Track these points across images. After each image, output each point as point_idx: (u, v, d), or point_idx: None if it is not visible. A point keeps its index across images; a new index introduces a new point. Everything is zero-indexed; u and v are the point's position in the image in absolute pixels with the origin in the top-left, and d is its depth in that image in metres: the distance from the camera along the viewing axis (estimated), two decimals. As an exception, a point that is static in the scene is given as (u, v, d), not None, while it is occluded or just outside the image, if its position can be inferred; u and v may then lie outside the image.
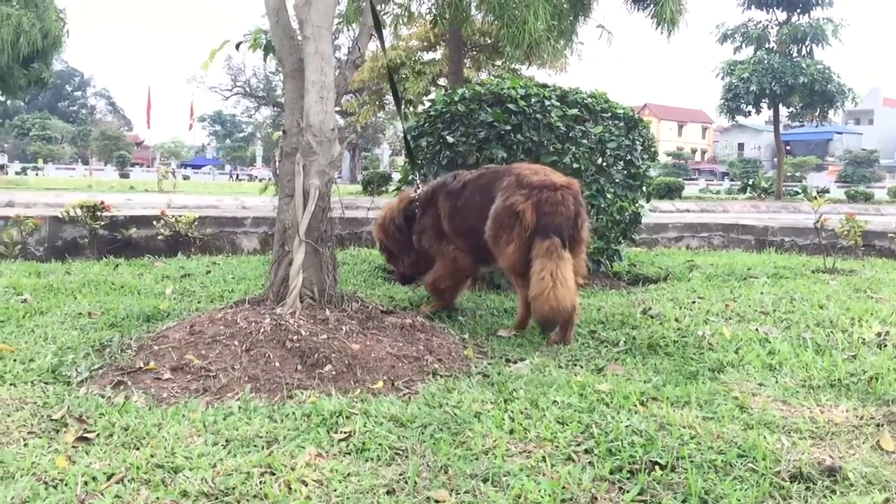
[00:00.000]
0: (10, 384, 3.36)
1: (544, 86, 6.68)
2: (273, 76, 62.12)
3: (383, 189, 26.93)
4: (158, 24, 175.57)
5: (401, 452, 2.75)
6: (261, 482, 2.44)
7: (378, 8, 4.91)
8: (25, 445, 2.68)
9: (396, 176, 38.30)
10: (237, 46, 4.87)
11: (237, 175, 64.90)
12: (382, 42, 4.75)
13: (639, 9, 11.11)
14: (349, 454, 2.72)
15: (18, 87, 23.17)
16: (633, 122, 6.90)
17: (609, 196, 6.59)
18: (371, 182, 27.37)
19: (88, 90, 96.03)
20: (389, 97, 28.48)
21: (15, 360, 3.68)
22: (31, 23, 21.09)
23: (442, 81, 25.58)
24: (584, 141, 6.44)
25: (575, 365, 4.01)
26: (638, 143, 6.86)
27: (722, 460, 2.65)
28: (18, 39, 20.83)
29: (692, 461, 2.64)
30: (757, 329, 4.62)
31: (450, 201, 5.05)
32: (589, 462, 2.68)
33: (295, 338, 3.77)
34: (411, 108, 25.75)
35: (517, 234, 4.51)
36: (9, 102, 28.03)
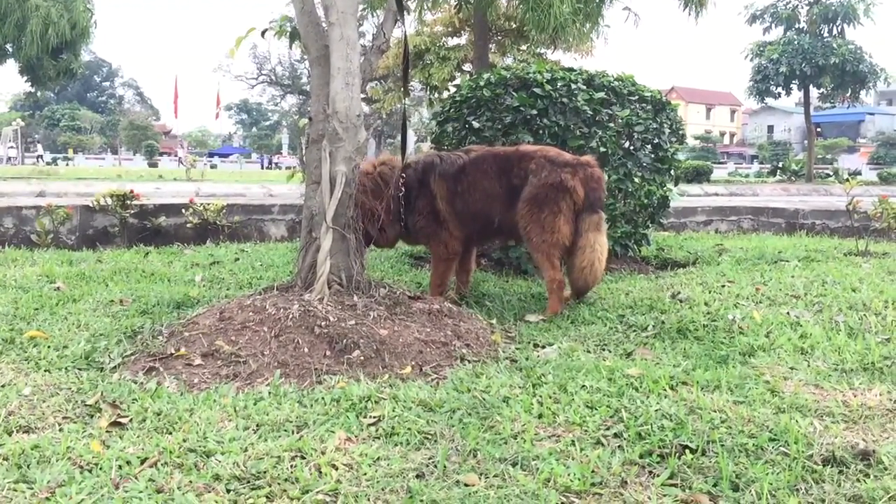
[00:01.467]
0: (45, 370, 3.41)
1: (570, 69, 6.63)
2: (298, 64, 62.23)
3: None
4: (185, 13, 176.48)
5: (430, 437, 2.76)
6: (291, 466, 2.46)
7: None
8: (61, 430, 2.72)
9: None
10: (262, 34, 4.88)
11: (271, 162, 65.09)
12: (403, 20, 4.73)
13: (666, -10, 10.96)
14: (378, 438, 2.74)
15: (48, 78, 23.42)
16: (661, 104, 6.83)
17: (637, 180, 6.53)
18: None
19: (116, 80, 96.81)
20: (414, 83, 28.42)
21: (49, 347, 3.74)
22: (60, 14, 21.29)
23: (467, 67, 25.46)
24: (611, 125, 6.38)
25: (603, 349, 4.00)
26: (666, 126, 6.79)
27: (753, 444, 2.63)
28: (47, 31, 21.04)
29: (723, 445, 2.63)
30: (788, 312, 4.57)
31: (447, 184, 5.04)
32: (618, 446, 2.68)
33: (323, 323, 3.79)
34: (436, 94, 25.69)
35: (567, 209, 4.80)
36: (39, 93, 28.25)
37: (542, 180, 4.84)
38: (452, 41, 25.76)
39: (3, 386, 3.16)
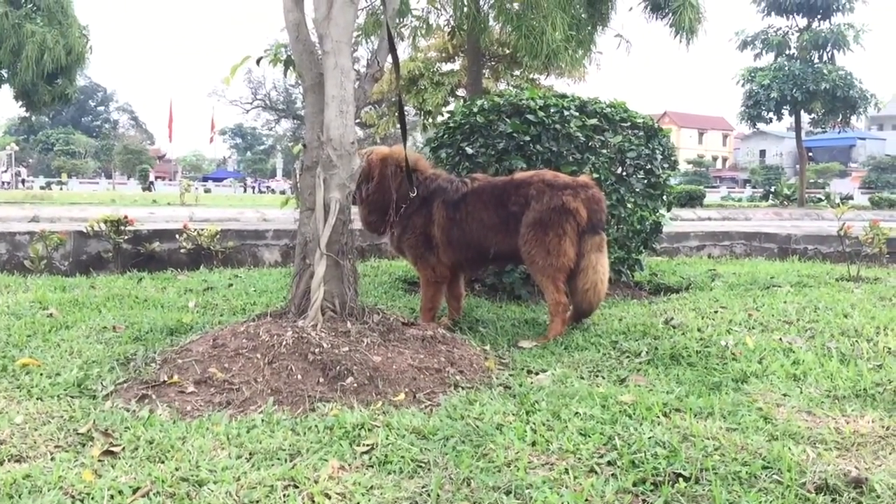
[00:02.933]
0: (37, 398, 3.40)
1: (563, 96, 6.68)
2: (293, 89, 62.60)
3: (403, 200, 26.94)
4: (179, 39, 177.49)
5: (423, 465, 2.75)
6: (284, 495, 2.45)
7: (396, 21, 4.93)
8: (52, 459, 2.71)
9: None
10: (258, 62, 4.91)
11: (257, 188, 65.39)
12: (396, 63, 4.76)
13: (657, 17, 11.10)
14: (372, 467, 2.73)
15: (43, 102, 23.47)
16: (653, 131, 6.88)
17: (629, 206, 6.57)
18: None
19: (111, 105, 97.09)
20: (408, 108, 28.56)
21: (41, 374, 3.73)
22: (55, 39, 21.39)
23: (460, 92, 25.64)
24: (604, 151, 6.43)
25: (597, 376, 4.00)
26: (658, 152, 6.84)
27: (746, 472, 2.63)
28: (43, 56, 21.13)
29: (716, 473, 2.63)
30: (781, 339, 4.58)
31: (447, 212, 5.08)
32: (612, 474, 2.67)
33: (317, 350, 3.78)
34: (430, 120, 25.84)
35: (571, 232, 4.85)
36: (33, 118, 28.30)
37: (544, 205, 4.88)
38: (446, 66, 26.00)
39: (-6, 414, 3.15)
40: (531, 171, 5.39)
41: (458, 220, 5.06)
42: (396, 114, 24.02)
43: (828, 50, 30.41)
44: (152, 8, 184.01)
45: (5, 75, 22.16)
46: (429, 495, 2.49)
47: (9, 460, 2.70)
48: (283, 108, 66.60)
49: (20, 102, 23.73)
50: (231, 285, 6.82)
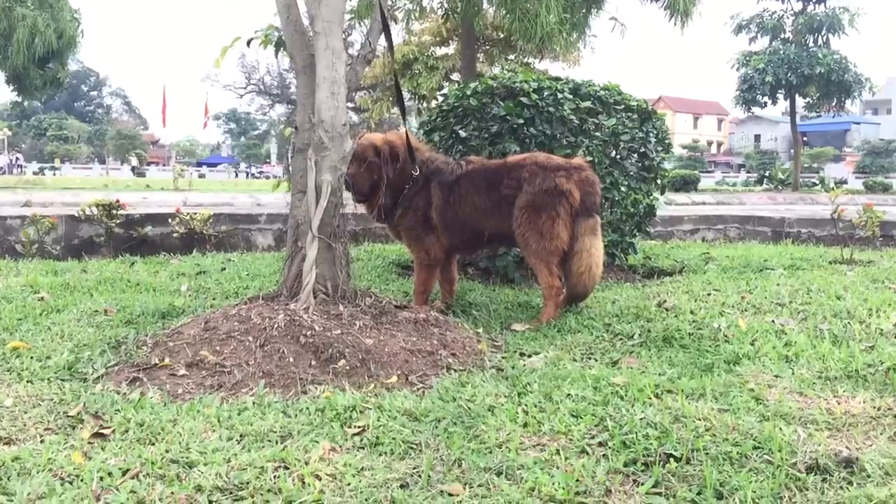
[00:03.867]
0: (27, 381, 3.38)
1: (557, 79, 6.65)
2: (287, 73, 62.18)
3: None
4: (172, 23, 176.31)
5: (414, 446, 2.75)
6: (275, 477, 2.44)
7: (389, 3, 4.90)
8: (42, 442, 2.70)
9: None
10: (248, 43, 4.87)
11: (251, 173, 65.28)
12: (391, 44, 4.73)
13: (651, 0, 11.04)
14: (363, 448, 2.73)
15: (35, 87, 23.30)
16: (647, 114, 6.86)
17: (623, 189, 6.56)
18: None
19: (104, 90, 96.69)
20: (403, 93, 28.50)
21: (32, 358, 3.71)
22: (46, 23, 21.20)
23: (455, 76, 25.55)
24: (598, 133, 6.41)
25: (589, 358, 4.00)
26: (652, 135, 6.82)
27: (737, 452, 2.63)
28: (34, 40, 20.95)
29: (707, 453, 2.63)
30: (773, 321, 4.58)
31: (442, 193, 5.07)
32: (603, 455, 2.67)
33: (309, 333, 3.77)
34: (424, 104, 25.75)
35: (564, 214, 4.84)
36: (26, 103, 28.11)
37: (536, 187, 4.87)
38: (440, 50, 25.89)
39: (-16, 397, 3.13)
40: (525, 153, 5.37)
41: (453, 202, 5.05)
42: (393, 96, 23.75)
43: (823, 34, 30.28)
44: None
45: (-4, 60, 22.00)
46: (420, 476, 2.49)
47: (-2, 443, 2.69)
48: (277, 92, 66.20)
49: (12, 87, 23.56)
50: (224, 269, 6.80)
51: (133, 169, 55.46)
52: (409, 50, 24.27)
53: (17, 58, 20.88)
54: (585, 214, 4.91)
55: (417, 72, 24.60)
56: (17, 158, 52.77)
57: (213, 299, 5.36)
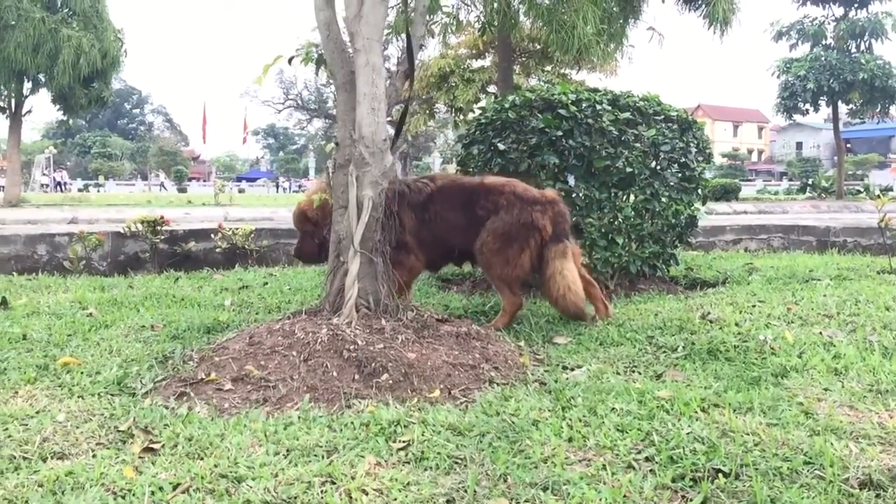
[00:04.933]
0: (79, 396, 3.45)
1: (595, 90, 6.62)
2: (324, 88, 62.77)
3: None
4: (211, 41, 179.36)
5: (459, 461, 2.75)
6: (322, 491, 2.46)
7: (426, 18, 4.94)
8: (94, 456, 2.75)
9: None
10: (289, 61, 4.94)
11: (290, 187, 65.94)
12: (412, 68, 4.74)
13: (690, 9, 10.97)
14: (408, 463, 2.73)
15: (80, 106, 23.80)
16: (687, 124, 6.81)
17: (664, 200, 6.50)
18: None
19: (146, 107, 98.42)
20: (439, 106, 28.57)
21: (82, 373, 3.79)
22: (91, 44, 21.66)
23: (491, 89, 25.57)
24: (637, 144, 6.37)
25: (633, 371, 3.97)
26: (692, 145, 6.76)
27: (788, 467, 2.59)
28: (79, 60, 21.42)
29: (757, 469, 2.59)
30: (821, 332, 4.51)
31: (415, 214, 5.06)
32: (650, 470, 2.65)
33: (352, 347, 3.80)
34: (461, 116, 25.83)
35: (534, 246, 5.01)
36: (71, 121, 28.74)
37: (513, 217, 5.00)
38: (477, 63, 25.94)
39: (37, 412, 3.21)
40: (503, 178, 5.42)
41: (427, 219, 5.08)
42: (428, 111, 23.73)
43: (865, 39, 29.76)
44: (185, 11, 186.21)
45: (43, 79, 22.50)
46: (465, 491, 2.49)
47: (52, 457, 2.75)
48: (315, 107, 66.84)
49: (57, 106, 24.11)
50: (266, 284, 6.88)
51: (161, 185, 56.43)
52: (445, 63, 24.36)
53: (63, 77, 21.35)
54: (555, 241, 5.05)
55: (454, 84, 24.67)
56: (62, 176, 53.97)
57: (257, 314, 5.42)
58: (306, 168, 78.45)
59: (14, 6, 20.48)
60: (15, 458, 2.72)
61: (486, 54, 25.53)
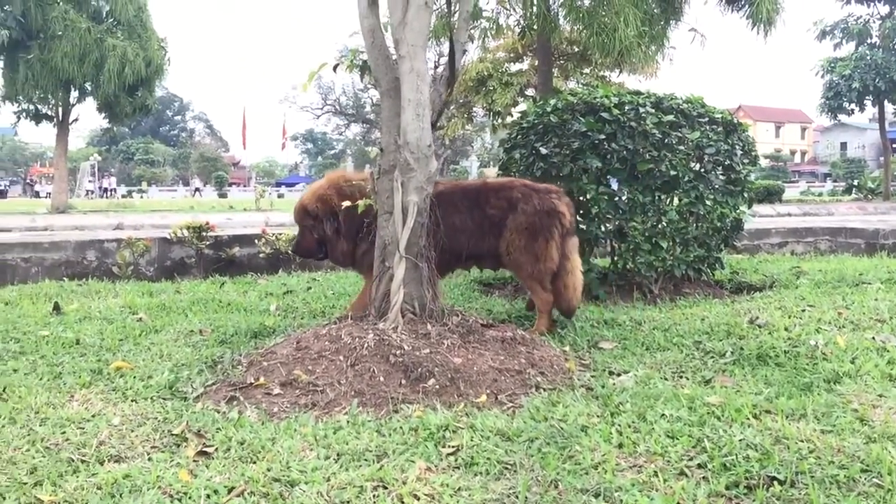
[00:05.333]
0: (132, 400, 3.52)
1: (638, 93, 6.58)
2: (362, 93, 63.13)
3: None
4: (251, 48, 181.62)
5: (509, 467, 2.75)
6: (374, 496, 2.48)
7: (469, 23, 4.93)
8: (149, 459, 2.80)
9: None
10: (334, 68, 4.98)
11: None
12: (453, 73, 4.73)
13: (733, 9, 10.84)
14: (458, 468, 2.74)
15: (124, 114, 24.29)
16: (732, 125, 6.73)
17: (708, 203, 6.43)
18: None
19: (187, 114, 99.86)
20: (477, 110, 28.54)
21: (135, 377, 3.86)
22: (136, 53, 22.11)
23: (529, 92, 25.51)
24: (681, 147, 6.31)
25: (681, 377, 3.93)
26: (738, 147, 6.68)
27: (844, 475, 2.55)
28: (124, 69, 21.87)
29: (812, 476, 2.55)
30: (873, 337, 4.42)
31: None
32: (703, 477, 2.62)
33: (398, 352, 3.82)
34: (499, 120, 25.78)
35: (558, 235, 4.97)
36: (115, 129, 29.32)
37: (535, 207, 4.97)
38: (515, 66, 25.89)
39: (93, 416, 3.27)
40: (505, 178, 5.41)
41: (449, 220, 4.88)
42: (466, 115, 23.65)
43: (912, 37, 29.17)
44: (224, 19, 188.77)
45: (89, 88, 23.00)
46: (516, 497, 2.49)
47: (109, 460, 2.80)
48: (353, 112, 67.24)
49: (103, 114, 24.63)
50: (310, 289, 6.94)
51: (196, 190, 57.27)
52: (483, 67, 24.34)
53: (109, 86, 21.81)
54: (571, 234, 5.10)
55: (492, 88, 24.64)
56: (111, 182, 55.11)
57: (302, 318, 5.47)
58: (344, 172, 78.74)
59: (61, 17, 20.97)
60: (73, 460, 2.78)
61: (525, 58, 25.46)
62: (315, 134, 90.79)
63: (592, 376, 3.95)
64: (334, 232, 5.07)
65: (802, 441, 2.87)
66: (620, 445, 2.91)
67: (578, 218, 6.38)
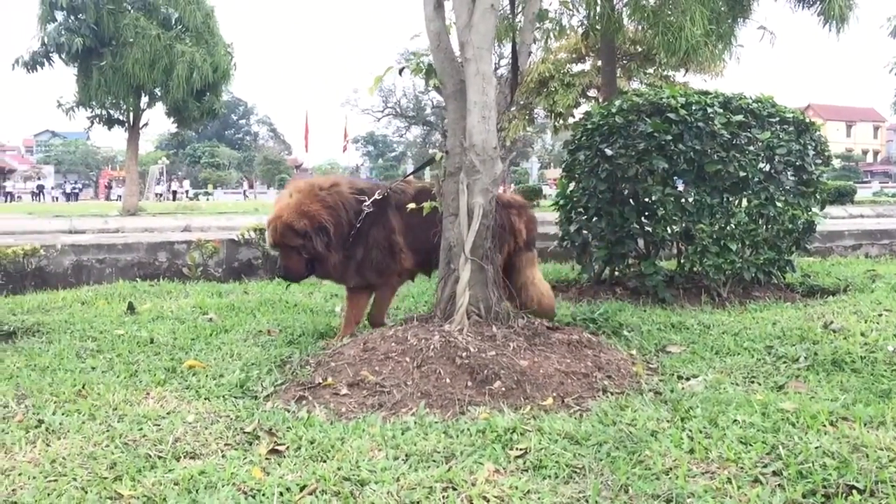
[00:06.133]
0: (205, 398, 3.60)
1: (706, 93, 6.47)
2: (422, 96, 63.50)
3: (535, 203, 26.88)
4: (312, 52, 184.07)
5: (578, 470, 2.73)
6: (444, 497, 2.49)
7: (535, 25, 4.92)
8: (223, 457, 2.86)
9: (546, 189, 38.09)
10: (400, 72, 5.02)
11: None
12: (515, 76, 4.73)
13: (804, 6, 10.58)
14: (526, 471, 2.73)
15: (193, 118, 24.88)
16: (804, 125, 6.57)
17: (779, 204, 6.29)
18: (523, 196, 27.20)
19: (252, 118, 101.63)
20: (538, 111, 28.41)
21: (207, 376, 3.94)
22: (203, 58, 22.61)
23: (591, 93, 25.31)
24: (751, 148, 6.19)
25: (752, 382, 3.85)
26: (810, 147, 6.51)
27: (929, 486, 2.46)
28: (192, 74, 22.39)
29: (893, 486, 2.47)
30: (955, 343, 4.26)
31: (401, 215, 4.83)
32: (778, 485, 2.56)
33: (464, 354, 3.82)
34: (561, 121, 25.63)
35: (506, 249, 4.97)
36: (182, 133, 30.06)
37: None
38: (576, 67, 25.70)
39: (168, 413, 3.36)
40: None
41: (413, 224, 4.84)
42: (527, 116, 23.55)
43: None
44: (287, 23, 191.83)
45: (158, 93, 23.60)
46: (586, 501, 2.47)
47: (184, 457, 2.87)
48: (413, 114, 67.70)
49: (172, 119, 25.27)
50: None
51: (244, 193, 58.24)
52: (545, 68, 24.23)
53: (178, 91, 22.34)
54: (527, 249, 5.12)
55: (553, 89, 24.51)
56: (186, 185, 56.68)
57: (365, 320, 5.51)
58: (405, 175, 79.34)
59: (132, 24, 21.56)
60: (150, 456, 2.86)
61: (587, 58, 25.27)
62: (376, 136, 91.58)
63: (661, 380, 3.90)
64: (325, 247, 4.63)
65: (882, 449, 2.78)
66: (692, 451, 2.87)
67: (643, 219, 6.33)
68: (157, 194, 51.91)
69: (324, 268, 4.77)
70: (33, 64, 21.64)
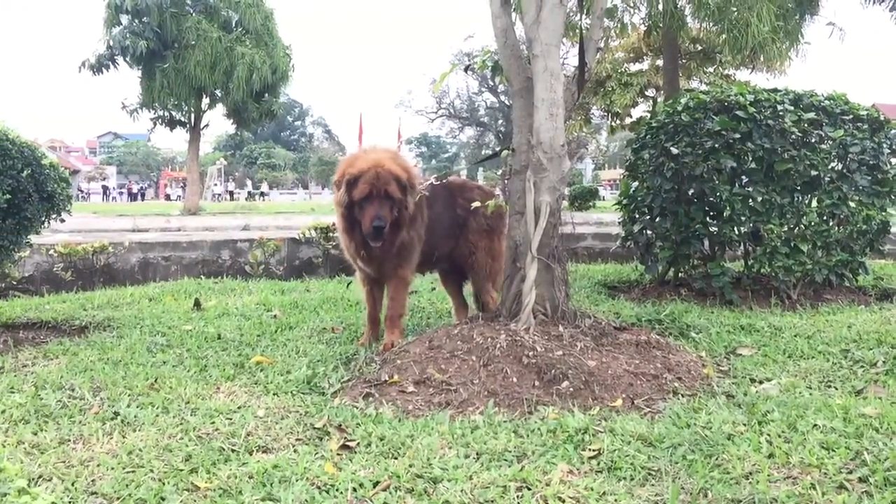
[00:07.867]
0: (273, 393, 3.63)
1: (775, 90, 6.31)
2: (476, 97, 63.41)
3: (590, 204, 26.63)
4: (366, 54, 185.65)
5: (653, 473, 2.67)
6: (518, 496, 2.46)
7: (588, 21, 4.85)
8: (295, 451, 2.87)
9: (601, 191, 37.68)
10: (466, 69, 5.02)
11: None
12: (582, 75, 4.68)
13: (875, 2, 10.27)
14: (601, 472, 2.68)
15: (251, 120, 25.34)
16: (879, 123, 6.37)
17: (853, 204, 6.10)
18: (578, 197, 27.02)
19: (307, 119, 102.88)
20: (595, 111, 28.13)
21: (274, 371, 3.98)
22: (263, 60, 23.00)
23: (649, 92, 24.97)
24: (822, 146, 6.01)
25: (829, 386, 3.73)
26: (885, 145, 6.30)
27: None
28: (251, 76, 22.79)
29: None
30: None
31: (425, 212, 4.78)
32: (865, 492, 2.47)
33: (531, 353, 3.78)
34: (618, 121, 25.35)
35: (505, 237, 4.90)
36: (241, 134, 30.61)
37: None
38: (634, 66, 25.37)
39: (239, 408, 3.39)
40: (458, 178, 5.37)
41: (430, 218, 4.81)
42: (582, 117, 23.35)
43: None
44: (342, 26, 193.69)
45: (219, 95, 24.06)
46: (664, 504, 2.41)
47: (257, 450, 2.89)
48: (467, 115, 67.63)
49: (231, 120, 25.73)
50: (433, 289, 6.97)
51: (262, 195, 58.54)
52: (602, 67, 23.97)
53: (238, 93, 22.76)
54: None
55: (611, 89, 24.24)
56: (264, 186, 57.64)
57: (428, 318, 5.52)
58: (458, 176, 79.32)
59: (194, 27, 22.02)
60: (224, 450, 2.88)
61: (644, 58, 24.94)
62: (429, 137, 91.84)
63: (733, 383, 3.80)
64: (410, 217, 4.47)
65: (974, 458, 2.66)
66: (771, 455, 2.78)
67: (709, 219, 6.21)
68: (216, 194, 52.84)
69: (392, 240, 4.48)
70: (99, 66, 22.26)
